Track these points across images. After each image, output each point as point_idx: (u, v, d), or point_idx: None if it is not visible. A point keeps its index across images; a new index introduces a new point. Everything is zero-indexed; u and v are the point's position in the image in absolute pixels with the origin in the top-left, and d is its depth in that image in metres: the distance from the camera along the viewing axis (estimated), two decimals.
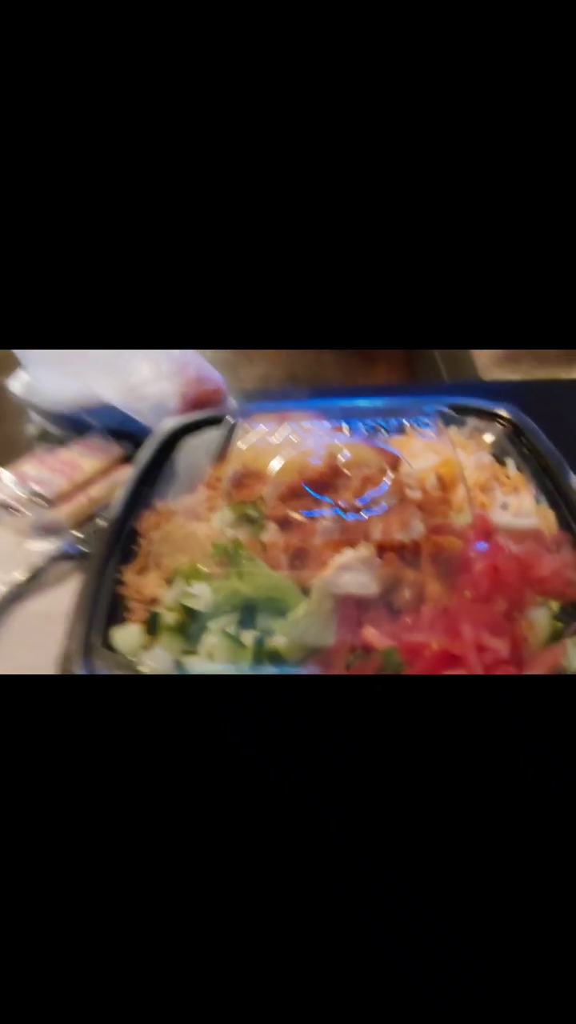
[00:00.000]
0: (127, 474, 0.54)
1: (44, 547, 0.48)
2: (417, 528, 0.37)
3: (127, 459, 0.57)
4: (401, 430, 0.51)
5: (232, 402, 0.61)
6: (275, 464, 0.42)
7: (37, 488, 0.51)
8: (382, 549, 0.36)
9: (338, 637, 0.33)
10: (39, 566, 0.47)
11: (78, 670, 0.33)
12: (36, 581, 0.47)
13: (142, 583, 0.39)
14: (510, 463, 0.48)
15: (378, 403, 0.53)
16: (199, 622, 0.36)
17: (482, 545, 0.35)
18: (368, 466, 0.41)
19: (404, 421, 0.52)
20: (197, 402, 0.58)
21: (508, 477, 0.46)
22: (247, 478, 0.44)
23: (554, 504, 0.43)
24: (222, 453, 0.48)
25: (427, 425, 0.51)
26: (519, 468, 0.47)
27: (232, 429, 0.49)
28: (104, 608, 0.38)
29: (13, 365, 0.61)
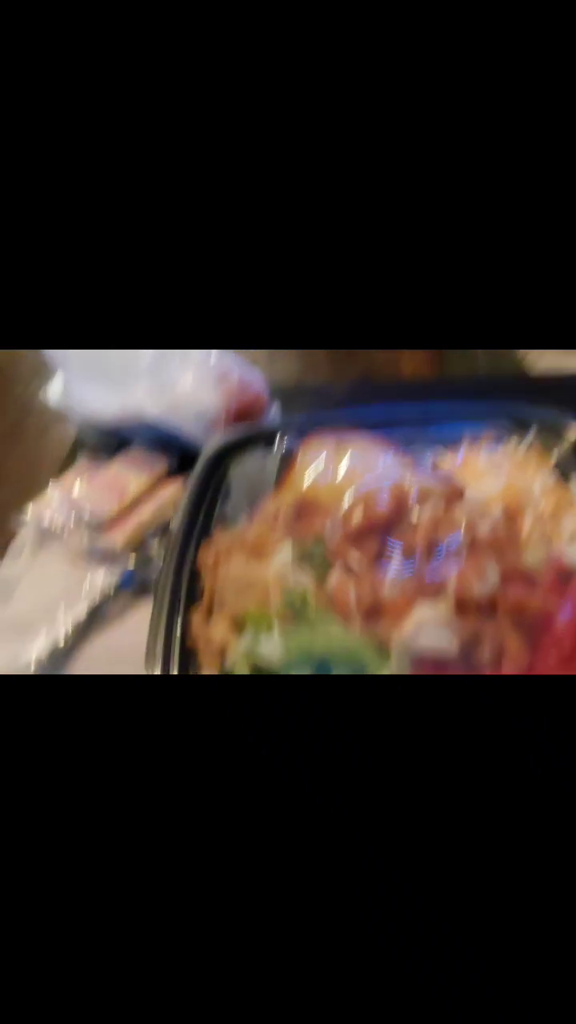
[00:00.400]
0: (175, 492, 0.54)
1: (102, 578, 0.48)
2: (492, 576, 0.36)
3: (171, 472, 0.56)
4: (458, 442, 0.50)
5: (275, 409, 0.59)
6: (338, 499, 0.41)
7: (87, 513, 0.50)
8: (460, 603, 0.35)
9: None
10: (100, 600, 0.47)
11: None
12: (99, 615, 0.47)
13: (210, 630, 0.39)
14: (574, 480, 0.46)
15: (431, 410, 0.52)
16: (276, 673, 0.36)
17: (566, 612, 0.34)
18: (437, 503, 0.40)
19: (463, 431, 0.50)
20: (240, 412, 0.56)
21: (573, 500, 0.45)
22: (307, 511, 0.43)
23: None
24: (279, 481, 0.47)
25: (491, 440, 0.49)
26: None
27: (287, 453, 0.48)
28: (175, 660, 0.38)
29: (47, 373, 0.59)
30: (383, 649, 0.34)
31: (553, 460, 0.48)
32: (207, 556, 0.43)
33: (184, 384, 0.54)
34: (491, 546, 0.39)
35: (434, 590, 0.36)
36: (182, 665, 0.38)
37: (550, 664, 0.33)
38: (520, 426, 0.50)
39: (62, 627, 0.44)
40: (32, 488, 0.52)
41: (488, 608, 0.35)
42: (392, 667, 0.34)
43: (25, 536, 0.51)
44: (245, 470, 0.49)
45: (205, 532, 0.45)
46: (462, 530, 0.38)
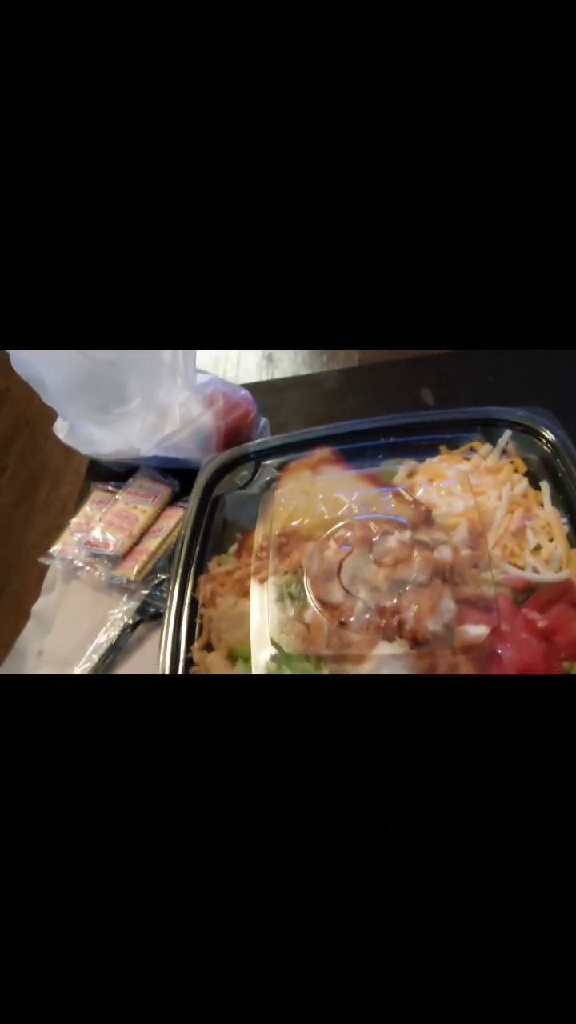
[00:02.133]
0: (178, 519, 0.59)
1: (120, 608, 0.55)
2: (448, 608, 0.40)
3: (176, 495, 0.61)
4: (435, 451, 0.52)
5: (265, 425, 0.62)
6: (312, 535, 0.45)
7: (103, 550, 0.57)
8: (415, 640, 0.39)
9: None
10: (121, 632, 0.54)
11: None
12: (121, 645, 0.54)
13: (209, 662, 0.45)
14: (545, 489, 0.48)
15: (403, 420, 0.53)
16: None
17: (500, 651, 0.38)
18: (400, 538, 0.43)
19: (440, 440, 0.52)
20: (232, 429, 0.60)
21: (541, 507, 0.47)
22: (288, 545, 0.47)
23: None
24: (261, 511, 0.51)
25: (464, 450, 0.51)
26: (556, 497, 0.47)
27: (266, 485, 0.51)
28: None
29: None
30: None
31: (526, 467, 0.49)
32: (204, 590, 0.49)
33: (174, 414, 0.57)
34: (452, 567, 0.42)
35: (393, 630, 0.40)
36: None
37: None
38: (492, 427, 0.51)
39: (90, 660, 0.52)
40: (67, 511, 0.58)
41: (443, 642, 0.39)
42: None
43: (55, 573, 0.59)
44: (233, 498, 0.53)
45: (202, 564, 0.51)
46: (422, 565, 0.42)
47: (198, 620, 0.48)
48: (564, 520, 0.46)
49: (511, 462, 0.50)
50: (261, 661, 0.42)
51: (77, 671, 0.52)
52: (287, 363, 1.07)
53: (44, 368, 0.56)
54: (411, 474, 0.50)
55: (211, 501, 0.54)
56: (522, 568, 0.43)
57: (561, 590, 0.42)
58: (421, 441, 0.52)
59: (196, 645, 0.47)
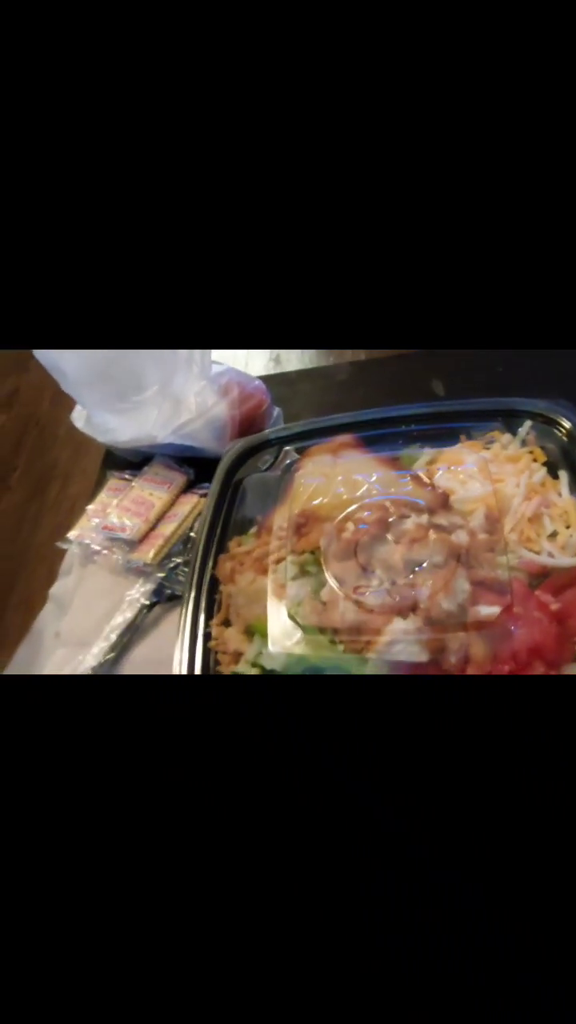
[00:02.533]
0: (194, 505, 0.60)
1: (137, 590, 0.56)
2: (462, 589, 0.41)
3: (191, 483, 0.63)
4: (453, 440, 0.52)
5: (278, 414, 0.63)
6: (331, 515, 0.46)
7: (121, 534, 0.58)
8: (429, 619, 0.40)
9: None
10: (138, 613, 0.55)
11: None
12: (137, 627, 0.55)
13: (227, 637, 0.47)
14: (563, 478, 0.48)
15: (424, 409, 0.54)
16: None
17: (512, 628, 0.38)
18: (418, 519, 0.44)
19: (461, 429, 0.53)
20: (246, 419, 0.61)
21: (559, 495, 0.47)
22: (307, 526, 0.48)
23: None
24: (281, 495, 0.52)
25: (484, 438, 0.51)
26: (574, 486, 0.47)
27: (287, 467, 0.52)
28: (198, 665, 0.46)
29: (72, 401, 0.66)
30: (363, 660, 0.40)
31: (545, 456, 0.50)
32: (224, 568, 0.50)
33: (190, 402, 0.59)
34: (468, 550, 0.43)
35: (408, 607, 0.41)
36: (204, 668, 0.45)
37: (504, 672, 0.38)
38: (515, 419, 0.52)
39: (107, 640, 0.54)
40: (76, 511, 0.60)
41: (456, 620, 0.40)
42: (371, 671, 0.40)
43: (72, 557, 0.60)
44: (254, 481, 0.54)
45: (223, 544, 0.52)
46: (438, 546, 0.42)
47: (217, 597, 0.49)
48: None
49: (530, 451, 0.50)
50: (277, 635, 0.43)
51: (94, 651, 0.53)
52: (294, 363, 1.08)
53: (64, 357, 0.57)
54: (431, 461, 0.51)
55: (233, 484, 0.55)
56: (538, 553, 0.44)
57: (574, 574, 0.42)
58: (441, 429, 0.53)
59: (215, 620, 0.48)
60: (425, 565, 0.42)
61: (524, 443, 0.51)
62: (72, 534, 0.60)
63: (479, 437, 0.52)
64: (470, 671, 0.39)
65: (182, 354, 0.58)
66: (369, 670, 0.40)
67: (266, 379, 0.66)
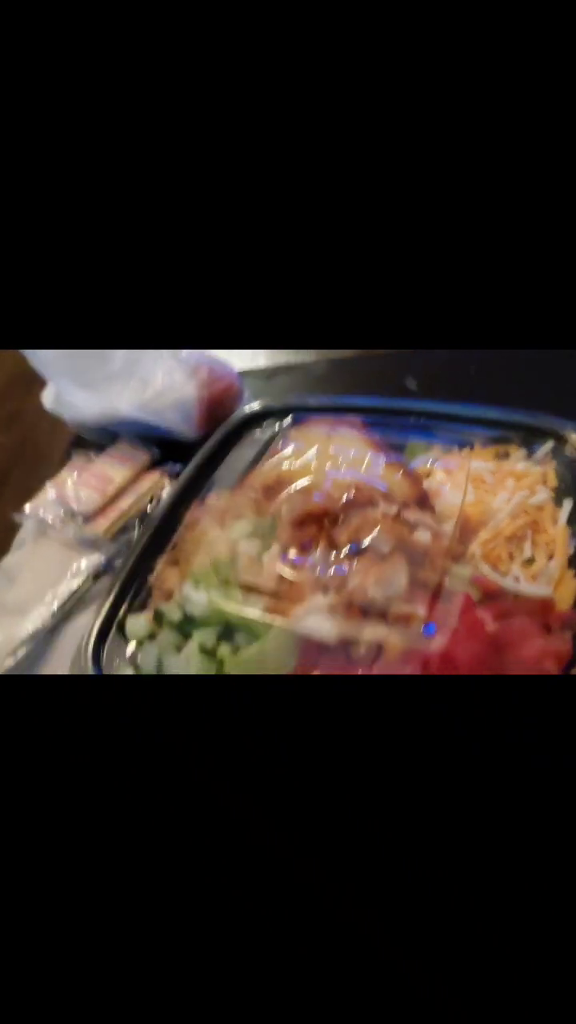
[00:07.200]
0: (154, 482, 0.58)
1: (87, 561, 0.53)
2: (397, 583, 0.37)
3: (156, 463, 0.60)
4: (463, 445, 0.48)
5: (248, 396, 0.61)
6: (291, 486, 0.44)
7: (75, 506, 0.56)
8: (350, 602, 0.37)
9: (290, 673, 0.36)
10: (83, 582, 0.52)
11: (85, 656, 0.41)
12: (84, 596, 0.52)
13: (167, 575, 0.46)
14: (565, 507, 0.43)
15: (442, 408, 0.50)
16: (193, 626, 0.41)
17: (431, 628, 0.34)
18: (373, 505, 0.41)
19: (475, 435, 0.49)
20: (214, 401, 0.59)
21: (554, 523, 0.42)
22: (275, 491, 0.46)
23: None
24: (266, 455, 0.50)
25: (492, 450, 0.47)
26: (572, 517, 0.42)
27: (277, 434, 0.51)
28: (133, 593, 0.45)
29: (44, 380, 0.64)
30: (271, 625, 0.38)
31: (556, 480, 0.44)
32: (192, 515, 0.50)
33: (157, 380, 0.57)
34: (427, 551, 0.39)
35: (333, 585, 0.38)
36: (134, 601, 0.45)
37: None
38: (531, 435, 0.47)
39: (51, 607, 0.51)
40: (36, 487, 0.59)
41: (376, 611, 0.36)
42: (277, 639, 0.37)
43: (26, 530, 0.57)
44: (247, 442, 0.53)
45: (201, 496, 0.51)
46: (387, 536, 0.39)
47: (175, 540, 0.49)
48: None
49: (543, 472, 0.45)
50: (205, 582, 0.42)
51: (33, 616, 0.51)
52: (272, 356, 1.02)
53: None
54: (434, 459, 0.48)
55: (229, 443, 0.54)
56: (503, 574, 0.39)
57: (533, 606, 0.37)
58: (455, 431, 0.49)
59: (165, 559, 0.47)
60: (368, 551, 0.39)
61: (538, 463, 0.46)
62: (28, 506, 0.58)
63: (491, 447, 0.48)
64: (377, 667, 0.35)
65: None
66: (273, 636, 0.37)
67: (242, 373, 0.64)
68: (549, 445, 0.46)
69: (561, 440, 0.46)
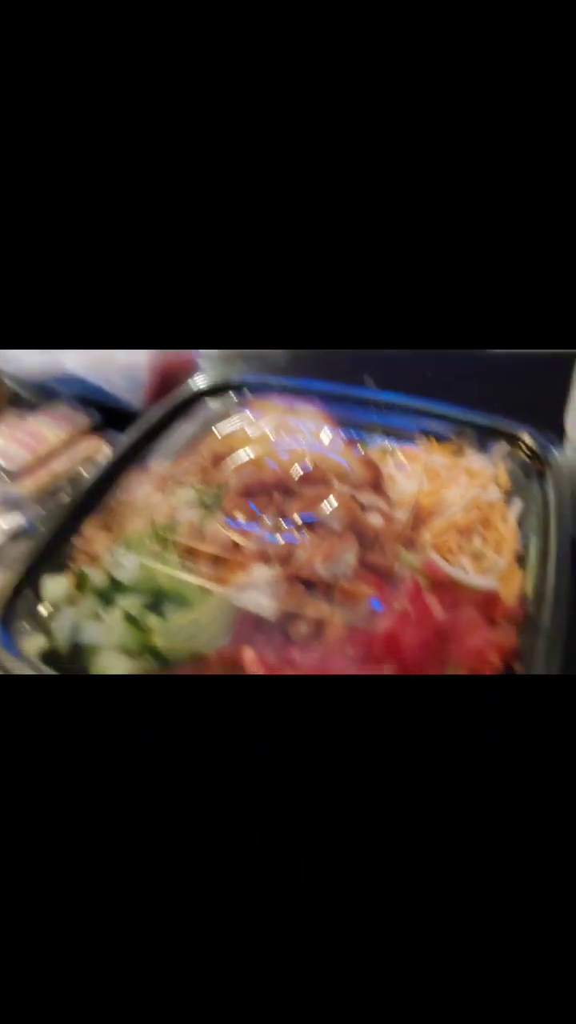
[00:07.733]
0: (91, 447, 0.54)
1: (4, 521, 0.49)
2: (346, 563, 0.35)
3: (95, 428, 0.56)
4: (411, 440, 0.47)
5: (204, 371, 0.59)
6: (242, 456, 0.41)
7: (1, 462, 0.51)
8: (293, 576, 0.34)
9: (221, 649, 0.33)
10: (3, 542, 0.48)
11: None
12: (2, 556, 0.47)
13: (96, 538, 0.42)
14: (516, 505, 0.42)
15: (396, 400, 0.49)
16: (119, 592, 0.38)
17: (377, 604, 0.32)
18: (327, 481, 0.39)
19: (420, 430, 0.48)
20: (167, 372, 0.56)
21: (504, 521, 0.41)
22: (220, 462, 0.43)
23: (540, 575, 0.38)
24: (219, 425, 0.48)
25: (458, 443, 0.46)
26: (522, 516, 0.42)
27: (238, 403, 0.48)
28: (55, 556, 0.41)
29: None
30: (207, 593, 0.35)
31: (509, 481, 0.44)
32: (131, 481, 0.46)
33: None
34: (377, 535, 0.37)
35: (279, 557, 0.35)
36: (55, 562, 0.40)
37: (354, 659, 0.32)
38: (486, 435, 0.46)
39: None
40: None
41: (322, 588, 0.34)
42: (211, 612, 0.34)
43: None
44: (200, 412, 0.50)
45: (142, 462, 0.48)
46: (341, 514, 0.37)
47: (108, 501, 0.45)
48: (530, 544, 0.40)
49: (495, 472, 0.45)
50: (138, 546, 0.38)
51: None
52: None
53: None
54: (390, 443, 0.46)
55: (176, 414, 0.51)
56: (452, 564, 0.38)
57: (480, 597, 0.36)
58: (414, 422, 0.48)
59: (94, 522, 0.43)
60: (318, 527, 0.37)
61: (492, 463, 0.46)
62: None
63: (447, 443, 0.47)
64: (315, 646, 0.33)
65: None
66: (208, 607, 0.34)
67: (205, 354, 0.62)
68: (503, 446, 0.46)
69: (515, 441, 0.46)
